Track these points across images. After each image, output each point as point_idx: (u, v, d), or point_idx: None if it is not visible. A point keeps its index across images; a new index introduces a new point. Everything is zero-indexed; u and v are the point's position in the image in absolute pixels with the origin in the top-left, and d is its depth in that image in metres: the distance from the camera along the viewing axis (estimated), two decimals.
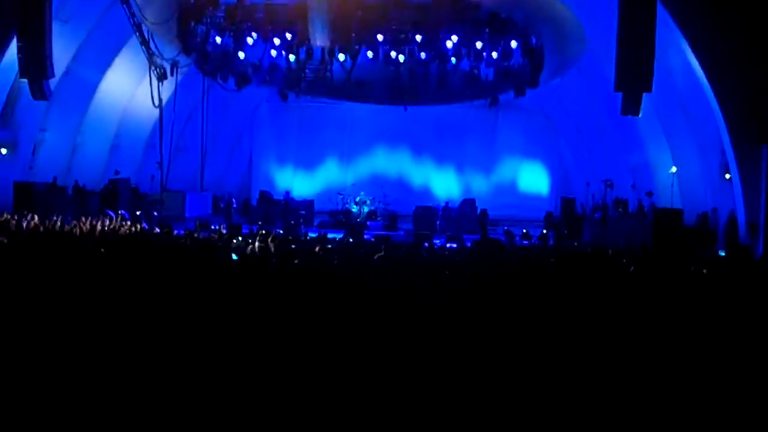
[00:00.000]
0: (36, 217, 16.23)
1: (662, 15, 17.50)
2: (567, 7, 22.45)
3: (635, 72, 17.14)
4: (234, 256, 10.09)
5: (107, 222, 17.40)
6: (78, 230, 13.78)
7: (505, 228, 22.72)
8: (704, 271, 8.24)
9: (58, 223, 15.29)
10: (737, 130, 18.25)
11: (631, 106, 17.44)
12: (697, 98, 19.84)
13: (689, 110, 21.86)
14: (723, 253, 18.30)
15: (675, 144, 23.69)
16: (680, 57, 19.48)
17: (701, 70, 18.58)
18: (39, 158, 24.27)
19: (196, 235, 15.57)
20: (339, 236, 19.07)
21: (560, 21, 23.01)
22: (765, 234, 16.99)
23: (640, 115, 17.94)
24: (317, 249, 11.39)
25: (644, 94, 17.33)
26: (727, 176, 19.77)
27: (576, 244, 15.68)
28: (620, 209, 23.72)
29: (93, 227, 14.76)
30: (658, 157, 24.83)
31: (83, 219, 16.37)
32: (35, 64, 19.07)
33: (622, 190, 24.84)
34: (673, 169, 22.86)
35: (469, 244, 16.84)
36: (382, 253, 10.71)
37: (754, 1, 17.56)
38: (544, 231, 24.14)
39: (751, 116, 17.79)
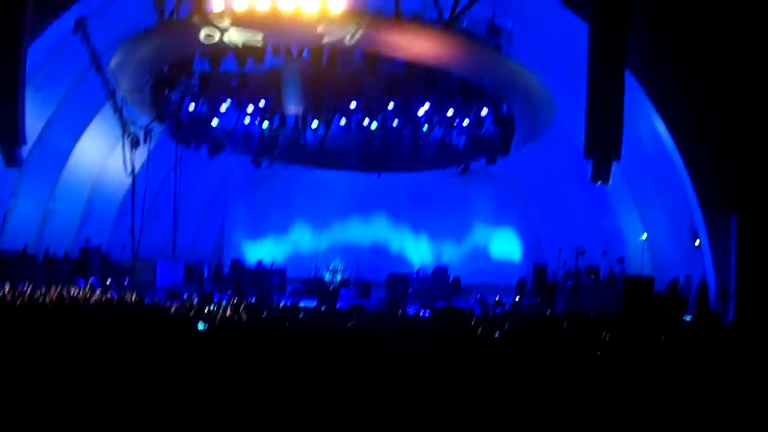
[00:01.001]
0: (6, 287, 15.99)
1: (631, 83, 17.76)
2: (537, 76, 22.76)
3: (604, 140, 17.27)
4: (201, 326, 9.98)
5: (75, 291, 17.18)
6: (48, 299, 13.60)
7: (479, 296, 22.71)
8: (673, 338, 8.27)
9: (28, 293, 15.07)
10: (706, 197, 18.44)
11: (601, 174, 17.54)
12: (666, 166, 20.07)
13: (659, 177, 22.12)
14: (689, 318, 18.37)
15: (645, 211, 23.94)
16: (649, 124, 19.76)
17: (669, 138, 18.82)
18: (9, 225, 24.06)
19: (167, 304, 15.39)
20: (312, 304, 18.93)
21: (530, 90, 23.29)
22: (736, 301, 17.07)
23: (609, 183, 18.08)
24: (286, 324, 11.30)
25: (614, 162, 17.48)
26: (697, 243, 19.92)
27: (549, 312, 15.66)
28: (592, 276, 23.80)
29: (61, 297, 14.56)
30: (629, 223, 25.05)
31: (53, 288, 16.16)
32: (7, 130, 18.95)
33: (593, 256, 24.96)
34: (644, 236, 23.04)
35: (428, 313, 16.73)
36: (355, 322, 10.63)
37: (722, 72, 17.88)
38: (517, 298, 24.16)
39: (720, 184, 17.99)
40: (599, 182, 17.79)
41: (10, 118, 18.88)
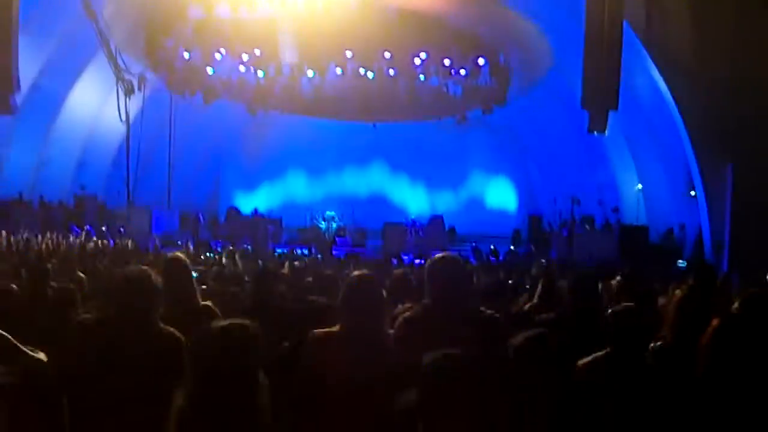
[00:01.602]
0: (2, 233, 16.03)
1: (628, 34, 17.67)
2: (534, 24, 22.63)
3: (601, 90, 17.23)
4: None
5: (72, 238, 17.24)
6: (44, 247, 13.64)
7: (474, 245, 22.79)
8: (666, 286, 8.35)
9: (22, 242, 15.12)
10: (702, 148, 18.44)
11: (598, 124, 17.52)
12: (663, 117, 20.04)
13: (655, 129, 22.09)
14: (683, 264, 18.51)
15: (641, 161, 23.95)
16: (646, 76, 19.68)
17: (667, 90, 18.77)
18: (5, 172, 24.00)
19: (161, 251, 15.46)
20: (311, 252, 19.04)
21: (528, 39, 23.19)
22: (729, 251, 17.17)
23: (606, 133, 18.06)
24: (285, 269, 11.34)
25: (610, 112, 17.44)
26: (693, 193, 19.97)
27: (543, 261, 15.71)
28: (587, 226, 23.87)
29: (58, 245, 14.62)
30: (624, 174, 25.08)
31: (48, 236, 16.21)
32: (1, 77, 18.83)
33: (588, 206, 25.02)
34: (639, 186, 23.07)
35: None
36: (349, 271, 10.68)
37: (719, 23, 17.78)
38: (512, 248, 24.26)
39: (716, 135, 17.98)
40: (596, 132, 17.77)
41: (3, 65, 18.72)
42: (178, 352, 4.26)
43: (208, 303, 5.59)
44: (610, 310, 4.70)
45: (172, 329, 4.47)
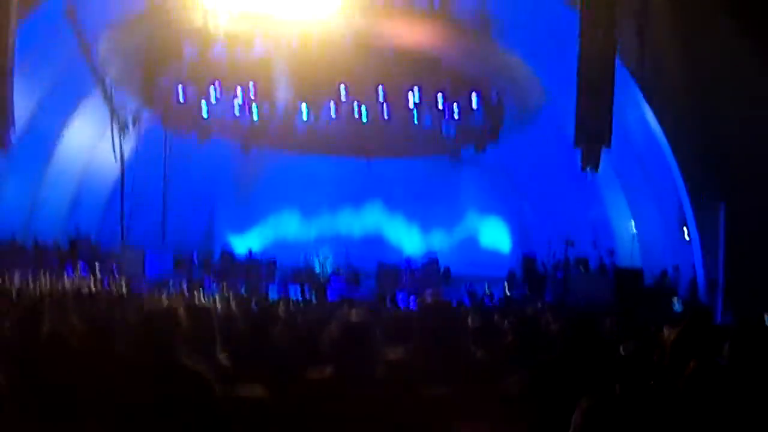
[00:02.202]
0: None
1: (621, 72, 17.78)
2: (527, 63, 22.76)
3: (594, 127, 17.33)
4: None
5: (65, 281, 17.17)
6: (37, 290, 13.58)
7: (469, 289, 22.79)
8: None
9: (16, 283, 15.05)
10: (695, 187, 18.49)
11: (591, 161, 17.61)
12: (656, 155, 20.11)
13: (647, 167, 22.14)
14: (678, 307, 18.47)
15: (634, 200, 23.99)
16: (638, 113, 19.76)
17: (659, 128, 18.86)
18: None
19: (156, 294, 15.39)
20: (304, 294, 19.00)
21: (520, 76, 23.32)
22: (723, 292, 17.14)
23: (598, 171, 18.11)
24: (280, 311, 11.28)
25: (603, 150, 17.51)
26: (686, 234, 19.99)
27: (539, 304, 15.72)
28: (582, 268, 23.82)
29: (53, 287, 14.56)
30: (618, 213, 25.10)
31: (42, 278, 16.15)
32: None
33: (582, 247, 24.98)
34: (633, 228, 23.09)
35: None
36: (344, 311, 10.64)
37: (711, 61, 17.89)
38: (506, 290, 24.23)
39: (709, 174, 18.04)
40: (589, 169, 17.82)
41: None
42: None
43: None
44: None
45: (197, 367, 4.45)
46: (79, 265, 22.56)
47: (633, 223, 23.54)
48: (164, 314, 4.56)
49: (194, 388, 4.29)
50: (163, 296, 13.84)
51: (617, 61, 17.55)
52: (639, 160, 22.48)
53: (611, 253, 23.41)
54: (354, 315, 6.23)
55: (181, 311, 4.60)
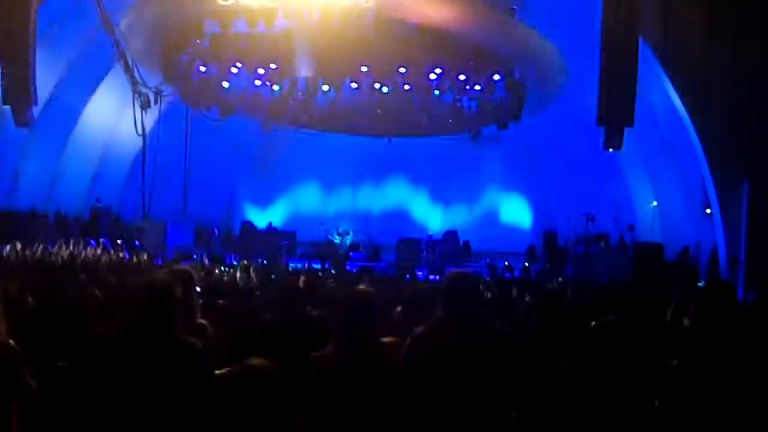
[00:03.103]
0: (18, 244, 16.04)
1: (644, 51, 17.64)
2: (550, 41, 22.63)
3: (617, 106, 17.16)
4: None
5: (88, 250, 17.26)
6: (59, 259, 13.67)
7: (488, 261, 22.76)
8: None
9: (38, 252, 15.14)
10: (718, 165, 18.36)
11: (613, 141, 17.45)
12: (678, 133, 19.98)
13: (670, 145, 22.04)
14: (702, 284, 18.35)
15: (656, 178, 23.88)
16: (661, 92, 19.63)
17: (682, 106, 18.72)
18: (20, 185, 24.10)
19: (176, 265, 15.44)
20: (321, 266, 19.02)
21: (543, 55, 23.18)
22: (745, 269, 17.04)
23: (621, 150, 18.00)
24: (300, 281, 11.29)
25: (626, 129, 17.38)
26: (708, 211, 19.87)
27: (560, 278, 15.69)
28: (602, 243, 23.78)
29: (73, 256, 14.64)
30: (640, 191, 24.99)
31: (63, 247, 16.24)
32: (19, 90, 18.93)
33: (603, 223, 24.93)
34: (654, 203, 22.95)
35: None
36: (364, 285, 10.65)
37: (734, 38, 17.73)
38: (526, 264, 24.18)
39: (732, 152, 17.91)
40: (611, 149, 17.71)
41: (21, 77, 18.84)
42: (194, 361, 4.26)
43: (203, 322, 5.56)
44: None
45: (192, 339, 4.47)
46: (100, 237, 22.67)
47: (654, 200, 23.41)
48: (163, 283, 4.57)
49: (187, 361, 4.31)
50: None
51: (640, 40, 17.39)
52: (661, 137, 22.37)
53: (632, 228, 23.32)
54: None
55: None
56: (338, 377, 4.45)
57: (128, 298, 4.87)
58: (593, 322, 4.98)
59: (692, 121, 18.52)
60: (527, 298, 9.51)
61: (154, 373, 4.19)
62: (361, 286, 5.81)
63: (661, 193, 23.62)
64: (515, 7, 22.47)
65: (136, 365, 4.21)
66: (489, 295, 10.10)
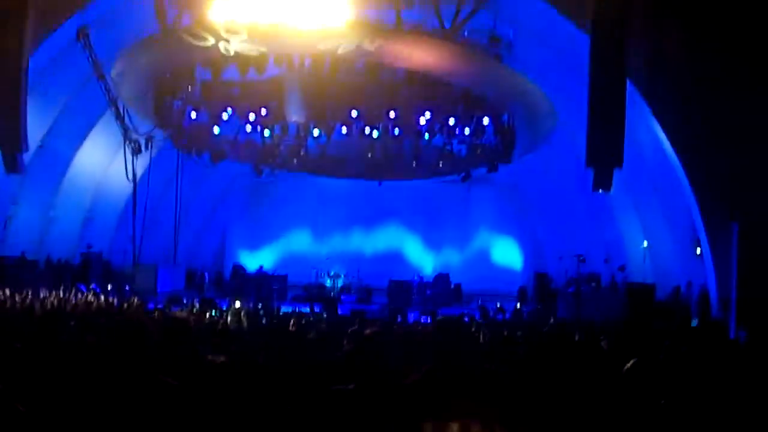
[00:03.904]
0: (6, 291, 15.98)
1: (631, 92, 17.79)
2: (537, 85, 22.82)
3: (606, 148, 17.28)
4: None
5: (78, 296, 17.20)
6: (49, 304, 13.61)
7: (480, 303, 22.72)
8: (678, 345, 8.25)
9: (29, 297, 15.08)
10: (707, 206, 18.43)
11: (603, 182, 17.55)
12: (668, 174, 20.08)
13: (660, 185, 22.14)
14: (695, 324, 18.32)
15: (646, 218, 23.97)
16: (650, 132, 19.76)
17: (670, 147, 18.84)
18: (11, 231, 24.06)
19: (167, 309, 15.41)
20: (313, 310, 18.93)
21: (531, 98, 23.35)
22: (736, 309, 17.04)
23: (611, 191, 18.09)
24: (291, 325, 11.27)
25: (615, 170, 17.47)
26: (698, 251, 19.92)
27: (551, 320, 15.67)
28: (593, 284, 23.79)
29: (64, 301, 14.58)
30: (630, 231, 25.06)
31: (54, 293, 16.18)
32: (10, 137, 18.97)
33: (594, 264, 24.96)
34: (645, 243, 23.01)
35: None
36: (356, 327, 10.62)
37: (722, 80, 17.89)
38: (518, 306, 24.15)
39: (721, 192, 17.99)
40: (601, 190, 17.79)
41: (12, 125, 18.89)
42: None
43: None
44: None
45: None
46: (91, 282, 22.62)
47: (645, 240, 23.47)
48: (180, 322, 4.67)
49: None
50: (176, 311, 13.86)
51: (628, 82, 17.55)
52: (651, 178, 22.48)
53: (623, 269, 23.35)
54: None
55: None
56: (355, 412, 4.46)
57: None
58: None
59: (681, 161, 18.62)
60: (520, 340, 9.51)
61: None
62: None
63: (651, 233, 23.70)
64: (502, 52, 22.64)
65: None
66: (482, 337, 10.08)
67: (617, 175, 17.62)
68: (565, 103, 22.80)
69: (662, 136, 19.06)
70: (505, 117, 26.28)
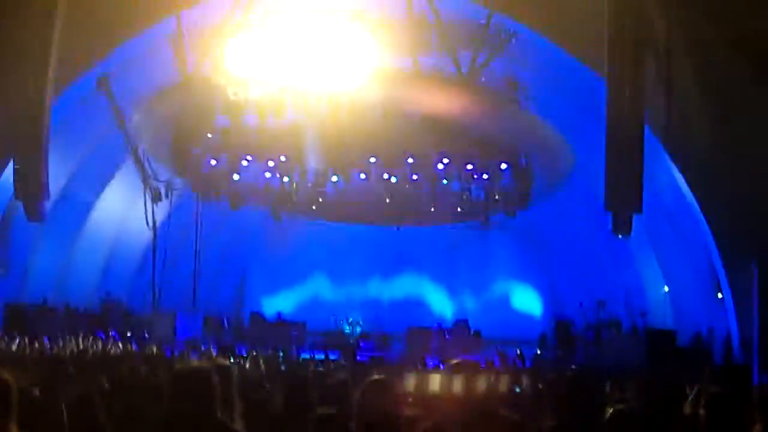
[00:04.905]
0: (26, 340, 16.02)
1: (649, 136, 17.76)
2: (555, 129, 22.85)
3: (624, 193, 17.23)
4: None
5: (98, 344, 17.21)
6: (67, 352, 13.62)
7: (499, 349, 22.54)
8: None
9: (47, 345, 15.11)
10: (726, 248, 18.32)
11: (622, 226, 17.48)
12: (687, 217, 20.00)
13: (679, 229, 22.02)
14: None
15: (666, 262, 23.82)
16: (668, 177, 19.71)
17: (688, 190, 18.78)
18: (31, 278, 24.16)
19: (186, 356, 15.37)
20: (332, 357, 18.83)
21: (549, 141, 23.40)
22: (759, 351, 16.84)
23: (630, 235, 18.00)
24: (310, 371, 11.24)
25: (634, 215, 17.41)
26: (720, 295, 19.76)
27: (573, 366, 15.52)
28: (614, 329, 23.59)
29: (83, 349, 14.60)
30: (651, 276, 24.88)
31: (72, 340, 16.21)
32: (31, 185, 19.10)
33: (615, 309, 24.78)
34: (666, 288, 22.84)
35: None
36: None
37: (738, 122, 17.88)
38: (539, 352, 23.95)
39: (740, 233, 17.89)
40: (620, 235, 17.71)
41: (34, 173, 19.05)
42: None
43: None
44: None
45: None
46: (110, 329, 22.63)
47: (666, 285, 23.29)
48: (195, 373, 4.57)
49: None
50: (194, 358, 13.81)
51: (646, 126, 17.54)
52: (670, 222, 22.36)
53: (643, 314, 23.16)
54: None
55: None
56: None
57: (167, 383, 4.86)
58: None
59: (699, 204, 18.56)
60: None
61: None
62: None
63: (672, 277, 23.52)
64: (520, 96, 22.74)
65: None
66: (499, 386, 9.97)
67: (637, 219, 17.55)
68: (583, 147, 22.80)
69: (680, 179, 19.01)
70: (523, 161, 26.31)
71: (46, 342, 15.97)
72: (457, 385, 5.68)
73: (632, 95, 17.30)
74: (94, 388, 7.36)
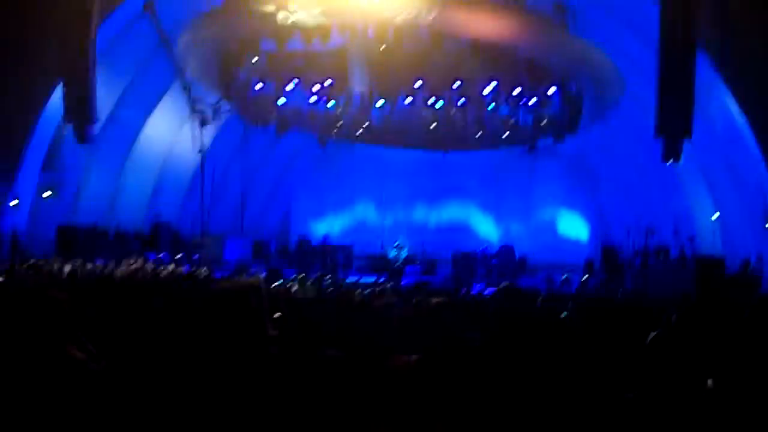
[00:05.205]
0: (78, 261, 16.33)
1: (702, 60, 17.41)
2: (605, 54, 22.46)
3: (675, 118, 16.97)
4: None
5: (148, 265, 17.50)
6: (118, 274, 13.89)
7: (545, 276, 22.55)
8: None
9: (99, 268, 15.40)
10: None
11: (672, 153, 17.24)
12: (738, 144, 19.67)
13: (730, 156, 21.67)
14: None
15: (716, 190, 23.49)
16: (720, 102, 19.35)
17: (741, 115, 18.43)
18: (82, 201, 24.54)
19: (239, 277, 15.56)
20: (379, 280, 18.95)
21: (598, 67, 23.00)
22: None
23: (680, 162, 17.76)
24: (357, 294, 11.34)
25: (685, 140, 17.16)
26: None
27: (620, 291, 15.47)
28: (661, 257, 23.39)
29: (134, 270, 14.87)
30: (700, 203, 24.59)
31: (123, 262, 16.50)
32: (79, 108, 19.34)
33: (663, 236, 24.55)
34: (716, 215, 22.57)
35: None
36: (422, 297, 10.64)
37: None
38: (585, 278, 23.90)
39: None
40: (670, 161, 17.48)
41: (82, 96, 19.26)
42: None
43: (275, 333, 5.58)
44: None
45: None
46: (160, 252, 22.99)
47: (715, 212, 23.00)
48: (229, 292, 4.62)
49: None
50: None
51: (699, 51, 17.16)
52: (721, 149, 22.00)
53: (692, 241, 22.92)
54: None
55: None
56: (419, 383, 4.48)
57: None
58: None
59: (752, 130, 18.23)
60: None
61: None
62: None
63: (721, 204, 23.20)
64: (568, 20, 22.32)
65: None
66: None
67: (687, 146, 17.30)
68: (633, 72, 22.39)
69: (732, 104, 18.66)
70: (572, 87, 25.91)
71: (99, 263, 16.28)
72: None
73: (685, 18, 16.91)
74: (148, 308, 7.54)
